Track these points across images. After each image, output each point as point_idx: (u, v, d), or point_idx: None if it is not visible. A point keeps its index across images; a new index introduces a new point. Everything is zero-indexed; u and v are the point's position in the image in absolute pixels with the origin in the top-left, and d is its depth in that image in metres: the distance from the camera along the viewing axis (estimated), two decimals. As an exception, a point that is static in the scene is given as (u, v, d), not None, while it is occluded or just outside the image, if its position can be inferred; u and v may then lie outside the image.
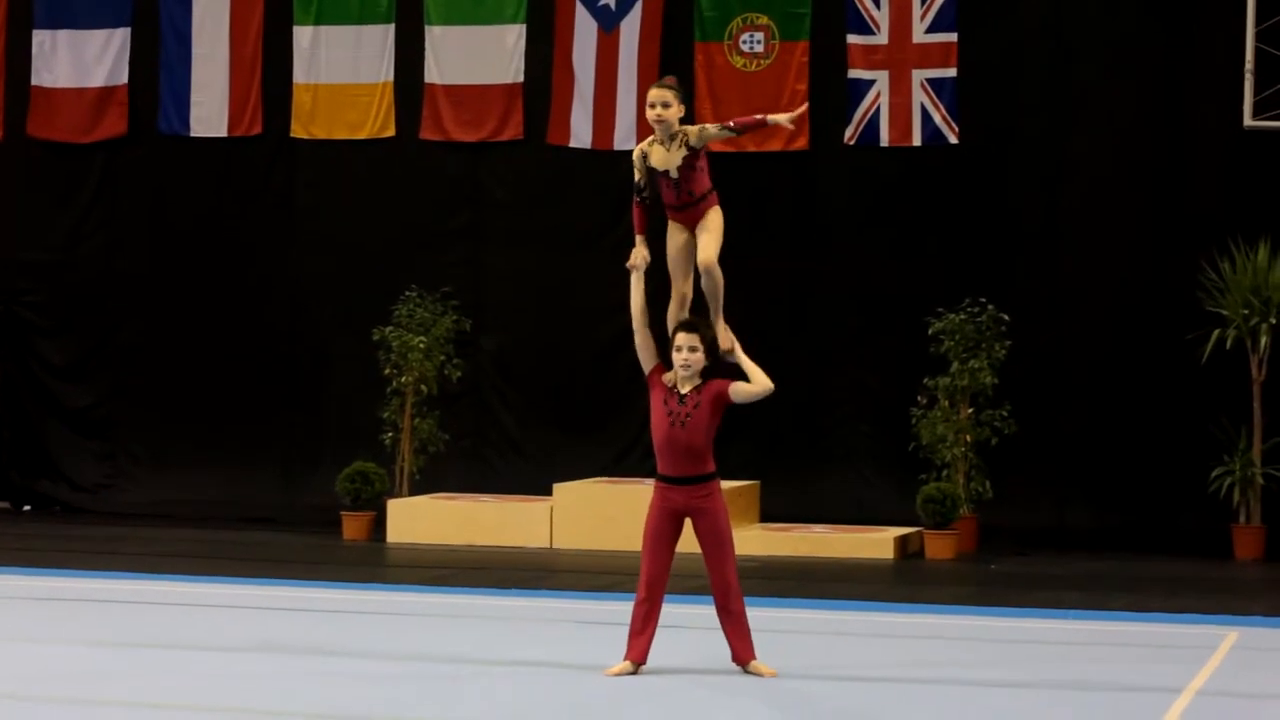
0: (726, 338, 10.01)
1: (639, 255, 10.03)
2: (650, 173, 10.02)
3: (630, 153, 10.32)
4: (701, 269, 9.95)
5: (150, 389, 18.79)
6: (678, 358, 9.89)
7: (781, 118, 10.14)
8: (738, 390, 9.87)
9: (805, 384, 17.42)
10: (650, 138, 10.07)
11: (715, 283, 9.98)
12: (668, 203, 10.03)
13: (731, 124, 10.07)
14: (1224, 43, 16.51)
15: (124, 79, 18.74)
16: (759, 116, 10.19)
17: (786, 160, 17.40)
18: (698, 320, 9.99)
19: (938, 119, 17.06)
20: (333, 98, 18.39)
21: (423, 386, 17.26)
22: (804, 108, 10.81)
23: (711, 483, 9.90)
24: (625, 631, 9.90)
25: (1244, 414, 16.09)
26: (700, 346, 9.87)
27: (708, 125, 10.08)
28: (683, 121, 10.02)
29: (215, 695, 9.34)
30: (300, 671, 10.07)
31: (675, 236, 10.06)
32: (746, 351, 10.01)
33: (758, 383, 9.86)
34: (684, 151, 9.92)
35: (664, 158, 9.98)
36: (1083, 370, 16.94)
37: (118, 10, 18.75)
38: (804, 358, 17.42)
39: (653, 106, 9.99)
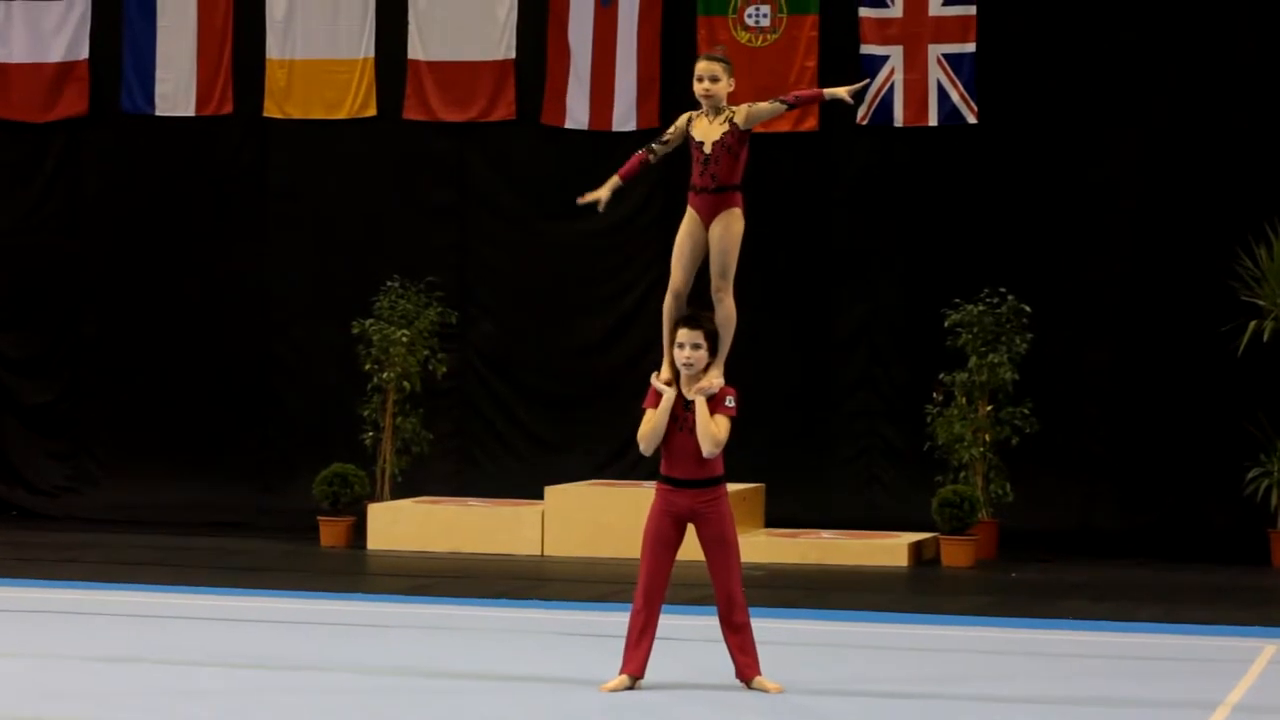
0: (713, 379, 9.89)
1: (670, 389, 9.87)
2: (688, 141, 10.00)
3: (633, 134, 10.28)
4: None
5: (114, 385, 18.79)
6: (679, 355, 9.88)
7: (841, 91, 10.14)
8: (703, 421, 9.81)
9: (813, 379, 17.45)
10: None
11: (727, 320, 9.92)
12: (692, 181, 10.02)
13: (786, 98, 10.08)
14: (1263, 14, 16.49)
15: (84, 53, 18.71)
16: (816, 90, 10.19)
17: (795, 142, 17.37)
18: (699, 313, 9.97)
19: (955, 97, 17.06)
20: (309, 74, 18.37)
21: (405, 383, 17.24)
22: (866, 82, 10.78)
23: (719, 487, 9.92)
24: (622, 644, 9.91)
25: (1282, 411, 16.12)
26: (704, 343, 9.87)
27: (758, 102, 10.06)
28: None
29: (183, 714, 9.32)
30: (274, 687, 10.07)
31: (690, 229, 10.01)
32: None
33: (703, 439, 9.78)
34: (726, 127, 9.92)
35: (705, 129, 9.99)
36: (1109, 365, 16.94)
37: (77, -22, 18.76)
38: (812, 351, 17.45)
39: (700, 80, 10.03)
